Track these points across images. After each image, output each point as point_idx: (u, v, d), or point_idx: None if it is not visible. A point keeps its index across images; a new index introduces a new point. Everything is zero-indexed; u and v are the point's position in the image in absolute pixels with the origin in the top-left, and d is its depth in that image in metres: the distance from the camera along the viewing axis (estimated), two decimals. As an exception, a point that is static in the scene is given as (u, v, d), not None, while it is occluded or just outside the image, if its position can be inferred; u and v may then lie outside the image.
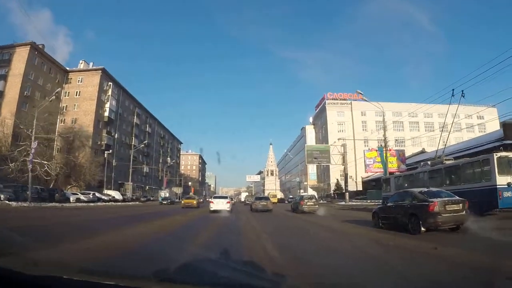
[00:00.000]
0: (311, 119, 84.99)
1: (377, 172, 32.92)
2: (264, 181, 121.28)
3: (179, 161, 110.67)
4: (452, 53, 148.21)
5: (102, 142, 55.99)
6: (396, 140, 69.59)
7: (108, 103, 58.39)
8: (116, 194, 39.81)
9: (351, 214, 19.37)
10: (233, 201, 30.98)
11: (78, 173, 44.66)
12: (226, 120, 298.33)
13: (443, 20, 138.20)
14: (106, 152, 49.88)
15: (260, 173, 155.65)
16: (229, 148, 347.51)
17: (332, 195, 59.42)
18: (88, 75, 57.61)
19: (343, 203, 37.06)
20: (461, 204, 8.66)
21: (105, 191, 42.74)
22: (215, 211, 20.36)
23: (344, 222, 13.83)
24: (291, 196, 79.60)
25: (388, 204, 10.59)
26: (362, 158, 68.63)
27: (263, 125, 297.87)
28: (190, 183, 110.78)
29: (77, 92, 56.53)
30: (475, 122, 70.04)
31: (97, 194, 37.44)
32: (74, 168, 44.40)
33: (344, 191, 41.16)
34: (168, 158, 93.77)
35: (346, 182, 40.31)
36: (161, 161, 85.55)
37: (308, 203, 21.45)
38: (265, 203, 23.66)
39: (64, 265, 3.62)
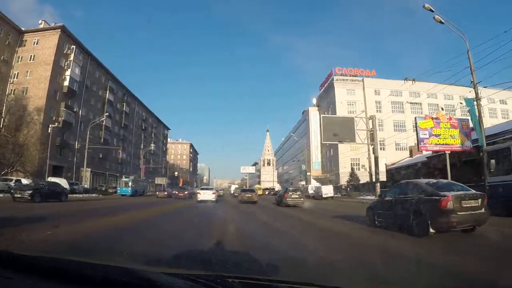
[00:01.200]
0: (314, 101, 74.42)
1: (436, 149, 22.34)
2: (260, 173, 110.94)
3: (166, 149, 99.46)
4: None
5: (60, 118, 44.77)
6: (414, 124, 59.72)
7: (69, 70, 47.01)
8: (62, 182, 29.17)
9: (344, 210, 16.38)
10: (221, 192, 35.69)
11: (16, 155, 33.89)
12: (220, 111, 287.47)
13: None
14: (51, 126, 38.62)
15: (255, 164, 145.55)
16: (224, 139, 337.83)
17: (345, 187, 48.98)
18: (46, 36, 46.14)
19: (372, 197, 26.62)
20: (479, 200, 6.88)
21: (50, 179, 31.99)
22: (202, 201, 22.73)
23: (333, 218, 11.72)
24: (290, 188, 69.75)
25: (387, 198, 8.72)
26: (381, 141, 58.97)
27: (259, 114, 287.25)
28: (176, 173, 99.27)
29: (31, 56, 45.23)
30: (498, 107, 61.16)
31: (23, 181, 26.72)
32: (13, 149, 33.74)
33: (369, 180, 30.99)
34: (152, 145, 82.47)
35: (377, 166, 29.91)
36: (142, 147, 74.49)
37: (292, 196, 20.57)
38: (250, 195, 24.74)
39: None
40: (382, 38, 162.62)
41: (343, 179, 55.62)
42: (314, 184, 66.70)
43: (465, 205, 6.69)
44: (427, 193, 7.21)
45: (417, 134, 22.34)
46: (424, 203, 7.03)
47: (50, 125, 39.12)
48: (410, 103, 62.11)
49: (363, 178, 55.59)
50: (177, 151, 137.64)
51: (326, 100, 68.02)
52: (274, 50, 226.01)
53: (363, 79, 63.03)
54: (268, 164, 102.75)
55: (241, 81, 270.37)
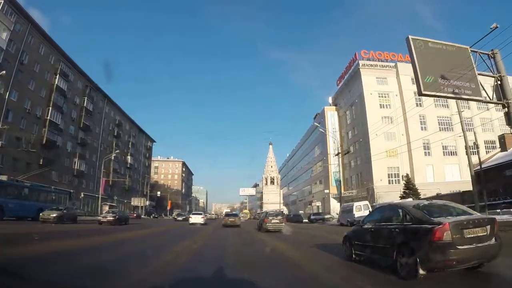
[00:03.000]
0: (330, 100, 59.44)
1: None
2: (262, 193, 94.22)
3: (149, 164, 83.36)
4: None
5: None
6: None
7: (-11, 32, 32.45)
8: None
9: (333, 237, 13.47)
10: (213, 216, 53.52)
11: None
12: (218, 132, 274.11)
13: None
14: None
15: (256, 186, 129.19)
16: (223, 162, 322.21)
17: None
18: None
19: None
20: (488, 227, 4.91)
21: None
22: (193, 224, 27.89)
23: (310, 248, 10.11)
24: (295, 213, 53.28)
25: (365, 226, 6.66)
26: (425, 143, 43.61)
27: (260, 132, 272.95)
28: (159, 193, 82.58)
29: None
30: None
31: None
32: None
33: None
34: (129, 157, 66.92)
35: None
36: (113, 158, 58.70)
37: (272, 221, 19.54)
38: (233, 219, 26.59)
39: None
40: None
41: (380, 196, 39.48)
42: (333, 205, 50.53)
43: (468, 236, 4.72)
44: (416, 220, 5.20)
45: None
46: (411, 234, 5.11)
47: None
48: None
49: (430, 188, 40.07)
50: (167, 170, 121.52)
51: (348, 95, 52.99)
52: (271, 62, 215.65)
53: (395, 65, 48.45)
54: (272, 182, 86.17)
55: (241, 99, 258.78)
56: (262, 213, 31.38)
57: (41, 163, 39.43)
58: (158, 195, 77.82)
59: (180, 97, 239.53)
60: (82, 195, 49.03)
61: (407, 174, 38.54)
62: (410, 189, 33.33)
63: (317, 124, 51.60)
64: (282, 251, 9.63)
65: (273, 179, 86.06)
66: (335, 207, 50.41)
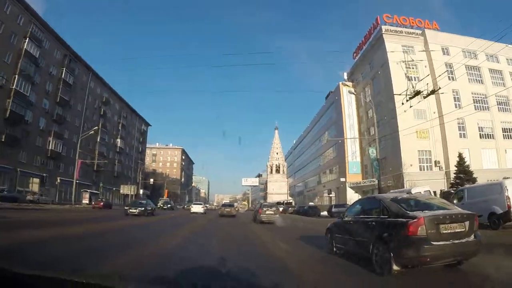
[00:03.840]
0: (345, 76, 52.04)
1: None
2: (266, 183, 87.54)
3: (143, 149, 76.66)
4: None
5: None
6: (499, 100, 38.15)
7: None
8: None
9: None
10: (213, 206, 59.21)
11: None
12: (221, 122, 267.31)
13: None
14: None
15: (259, 176, 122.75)
16: (226, 152, 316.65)
17: (444, 192, 25.98)
18: None
19: None
20: (466, 223, 4.67)
21: None
22: (194, 212, 31.52)
23: (297, 240, 9.99)
24: (311, 204, 46.54)
25: (346, 219, 6.50)
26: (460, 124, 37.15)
27: (265, 120, 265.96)
28: (152, 180, 76.08)
29: None
30: None
31: None
32: None
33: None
34: (119, 140, 60.31)
35: None
36: (99, 139, 52.16)
37: (266, 212, 19.78)
38: (229, 210, 27.72)
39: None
40: None
41: (413, 184, 32.53)
42: (350, 196, 43.74)
43: (444, 231, 4.50)
44: (391, 214, 5.00)
45: None
46: (386, 228, 4.91)
47: None
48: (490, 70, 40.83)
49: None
50: (166, 158, 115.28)
51: (367, 68, 45.65)
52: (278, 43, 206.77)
53: (423, 32, 41.14)
54: (277, 170, 79.15)
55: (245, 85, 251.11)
56: (257, 204, 31.57)
57: (3, 140, 32.94)
58: (151, 183, 70.98)
59: (182, 84, 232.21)
60: (59, 180, 42.56)
61: (459, 154, 31.57)
62: (465, 173, 26.36)
63: (325, 108, 44.20)
64: (269, 244, 9.39)
65: (279, 167, 79.08)
66: (352, 198, 43.58)
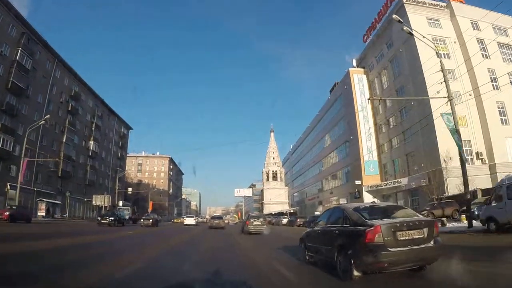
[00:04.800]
0: (354, 62, 45.18)
1: None
2: (261, 192, 79.42)
3: (124, 155, 67.87)
4: None
5: None
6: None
7: None
8: None
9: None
10: (205, 219, 57.25)
11: None
12: (213, 132, 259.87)
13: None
14: None
15: (252, 186, 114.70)
16: (219, 164, 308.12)
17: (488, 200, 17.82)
18: None
19: None
20: (425, 229, 4.82)
21: None
22: (187, 224, 36.09)
23: (275, 249, 10.38)
24: (317, 213, 38.79)
25: (315, 228, 6.91)
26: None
27: (260, 128, 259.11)
28: (130, 189, 67.14)
29: None
30: None
31: None
32: None
33: None
34: (92, 143, 51.87)
35: None
36: (65, 139, 43.85)
37: (254, 223, 20.07)
38: (218, 222, 28.64)
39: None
40: None
41: (453, 186, 25.21)
42: (367, 200, 36.32)
43: (402, 238, 4.66)
44: (352, 222, 5.23)
45: None
46: (347, 236, 5.20)
47: None
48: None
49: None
50: (152, 168, 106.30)
51: (384, 49, 38.81)
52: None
53: (448, 4, 34.84)
54: (275, 177, 71.05)
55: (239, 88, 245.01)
56: (246, 216, 31.63)
57: None
58: (129, 192, 61.96)
59: (176, 93, 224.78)
60: (8, 187, 33.97)
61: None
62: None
63: (333, 98, 36.87)
64: (247, 252, 10.06)
65: (276, 173, 71.06)
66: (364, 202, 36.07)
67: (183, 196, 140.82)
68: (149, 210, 74.33)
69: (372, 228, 4.63)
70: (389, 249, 4.50)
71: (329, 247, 5.60)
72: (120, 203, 61.95)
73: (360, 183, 37.11)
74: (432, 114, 28.82)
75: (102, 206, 46.23)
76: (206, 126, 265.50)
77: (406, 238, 4.66)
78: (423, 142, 30.86)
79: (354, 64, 44.71)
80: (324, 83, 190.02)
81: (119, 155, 63.82)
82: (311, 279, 5.55)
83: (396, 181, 33.49)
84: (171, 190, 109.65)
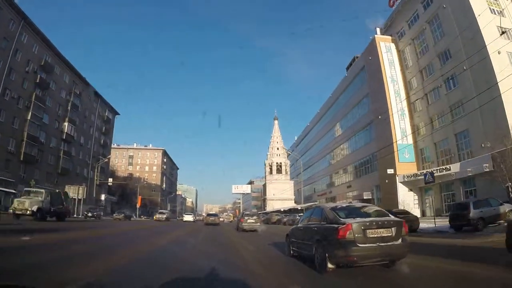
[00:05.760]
0: (378, 31, 37.75)
1: None
2: (264, 187, 71.97)
3: (108, 143, 60.02)
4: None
5: None
6: None
7: None
8: None
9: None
10: (201, 217, 51.95)
11: None
12: (210, 128, 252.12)
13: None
14: None
15: (251, 183, 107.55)
16: (217, 161, 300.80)
17: None
18: None
19: None
20: (393, 229, 5.33)
21: None
22: (186, 221, 41.63)
23: (267, 245, 10.99)
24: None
25: (298, 225, 7.72)
26: None
27: (259, 125, 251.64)
28: (110, 180, 59.37)
29: None
30: None
31: None
32: None
33: None
34: (66, 124, 44.25)
35: None
36: (30, 117, 36.34)
37: (248, 221, 20.70)
38: (213, 219, 30.38)
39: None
40: None
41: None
42: (402, 199, 29.17)
43: (371, 235, 5.16)
44: (329, 220, 5.86)
45: None
46: (324, 233, 5.78)
47: None
48: None
49: None
50: (144, 161, 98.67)
51: (418, 9, 31.41)
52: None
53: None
54: (279, 170, 63.43)
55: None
56: (240, 214, 32.75)
57: None
58: (110, 183, 53.97)
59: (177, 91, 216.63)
60: None
61: None
62: None
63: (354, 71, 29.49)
64: (239, 247, 10.47)
65: (281, 165, 63.49)
66: (404, 199, 28.76)
67: (178, 192, 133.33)
68: (138, 205, 67.31)
69: (344, 225, 5.15)
70: (359, 244, 5.00)
71: (309, 242, 6.18)
72: (103, 196, 54.64)
73: (393, 172, 29.86)
74: (496, 77, 22.04)
75: (76, 198, 38.76)
76: (205, 123, 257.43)
77: (375, 235, 5.14)
78: (483, 116, 23.63)
79: (378, 33, 37.38)
80: (335, 67, 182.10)
81: (102, 142, 56.05)
82: (287, 269, 6.38)
83: (442, 169, 26.19)
84: (164, 185, 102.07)
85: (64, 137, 43.37)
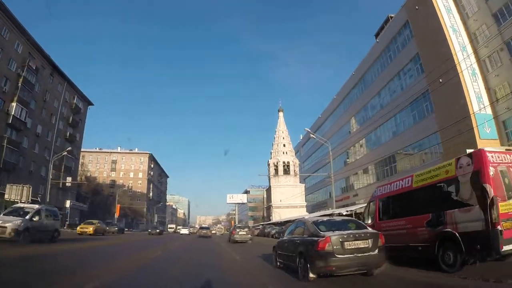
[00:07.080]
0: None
1: None
2: (267, 192, 61.69)
3: (76, 136, 48.67)
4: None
5: None
6: None
7: None
8: None
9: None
10: (195, 230, 56.07)
11: None
12: (205, 137, 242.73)
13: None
14: None
15: (246, 192, 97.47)
16: (212, 172, 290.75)
17: None
18: None
19: None
20: (369, 240, 5.85)
21: None
22: (183, 233, 46.65)
23: (257, 257, 11.52)
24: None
25: (284, 238, 8.42)
26: None
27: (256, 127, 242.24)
28: (84, 179, 48.58)
29: None
30: None
31: None
32: None
33: None
34: (14, 104, 33.96)
35: None
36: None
37: (240, 233, 21.71)
38: (205, 232, 33.79)
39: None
40: None
41: None
42: None
43: (348, 247, 5.70)
44: (310, 233, 6.53)
45: None
46: (306, 245, 6.36)
47: None
48: None
49: None
50: (129, 166, 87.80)
51: None
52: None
53: None
54: (286, 171, 53.01)
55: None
56: (233, 227, 31.78)
57: None
58: (68, 183, 41.79)
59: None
60: None
61: None
62: None
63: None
64: (228, 258, 11.47)
65: (288, 165, 53.25)
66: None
67: (168, 203, 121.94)
68: (116, 215, 56.51)
69: (323, 238, 5.68)
70: (337, 255, 5.51)
71: (293, 254, 6.77)
72: (67, 203, 43.90)
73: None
74: None
75: (18, 201, 28.18)
76: (196, 127, 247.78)
77: (353, 247, 5.65)
78: None
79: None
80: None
81: (68, 135, 45.39)
82: (272, 278, 6.83)
83: None
84: (151, 193, 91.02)
85: (10, 121, 33.02)
